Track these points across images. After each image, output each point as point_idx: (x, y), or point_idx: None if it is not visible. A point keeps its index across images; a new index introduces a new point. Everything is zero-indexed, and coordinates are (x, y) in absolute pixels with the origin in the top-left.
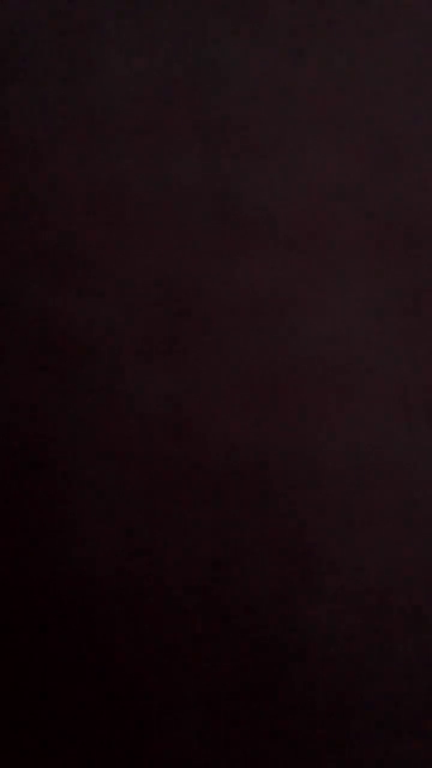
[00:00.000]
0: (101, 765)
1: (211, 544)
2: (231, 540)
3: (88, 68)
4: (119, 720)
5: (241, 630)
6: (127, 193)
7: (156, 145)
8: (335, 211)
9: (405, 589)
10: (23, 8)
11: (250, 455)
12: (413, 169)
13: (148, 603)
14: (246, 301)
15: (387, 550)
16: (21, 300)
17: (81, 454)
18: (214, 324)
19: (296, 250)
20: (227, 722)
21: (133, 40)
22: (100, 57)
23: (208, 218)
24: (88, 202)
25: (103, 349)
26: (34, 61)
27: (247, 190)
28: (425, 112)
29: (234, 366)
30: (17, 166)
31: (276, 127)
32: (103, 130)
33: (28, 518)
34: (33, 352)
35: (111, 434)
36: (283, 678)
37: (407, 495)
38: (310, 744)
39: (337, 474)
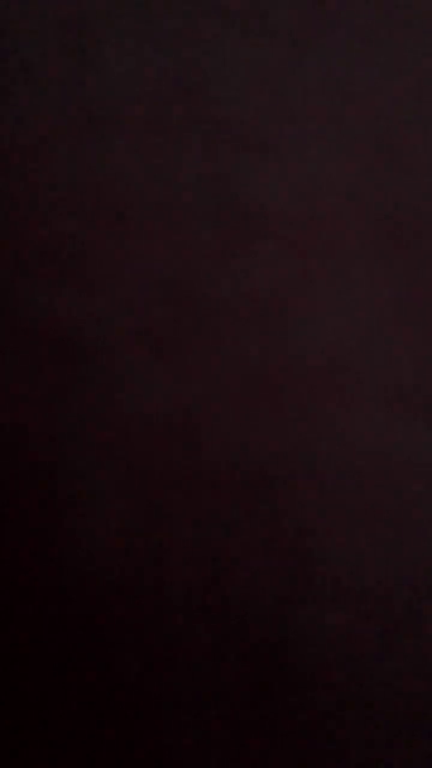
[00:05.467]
0: (101, 765)
1: (211, 545)
2: (231, 540)
3: (88, 68)
4: (118, 720)
5: (241, 630)
6: (126, 193)
7: (155, 144)
8: (335, 211)
9: (405, 589)
10: (23, 8)
11: (250, 455)
12: (413, 168)
13: (148, 603)
14: (246, 300)
15: (387, 550)
16: (21, 300)
17: (81, 454)
18: (215, 324)
19: (296, 250)
20: (227, 722)
21: (133, 40)
22: (100, 57)
23: (208, 218)
24: (88, 201)
25: (103, 349)
26: (34, 61)
27: (247, 190)
28: (425, 111)
29: (234, 366)
30: (18, 166)
31: (276, 127)
32: (103, 130)
33: (28, 518)
34: (33, 352)
35: (111, 434)
36: (282, 678)
37: (407, 495)
38: (309, 744)
39: (337, 474)
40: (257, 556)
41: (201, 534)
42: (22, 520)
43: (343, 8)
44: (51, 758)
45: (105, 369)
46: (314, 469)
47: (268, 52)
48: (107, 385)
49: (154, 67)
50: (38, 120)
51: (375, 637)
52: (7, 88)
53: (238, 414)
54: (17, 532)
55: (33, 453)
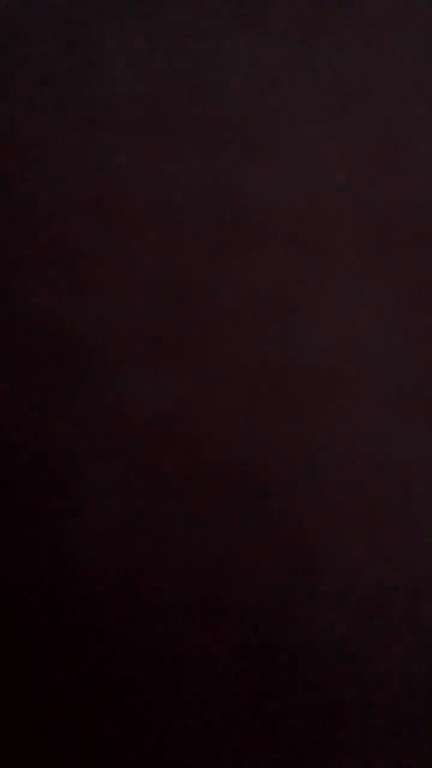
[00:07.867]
0: (101, 765)
1: (211, 544)
2: (231, 540)
3: (88, 68)
4: (118, 719)
5: (241, 630)
6: (126, 193)
7: (156, 144)
8: (335, 211)
9: (405, 589)
10: (23, 8)
11: (249, 455)
12: (413, 168)
13: (148, 603)
14: (246, 301)
15: (386, 550)
16: (21, 300)
17: (81, 454)
18: (215, 324)
19: (296, 250)
20: (227, 722)
21: (133, 40)
22: (100, 57)
23: (208, 218)
24: (88, 202)
25: (103, 349)
26: (34, 61)
27: (247, 190)
28: (425, 112)
29: (234, 366)
30: (18, 166)
31: (276, 127)
32: (103, 130)
33: (28, 518)
34: (33, 352)
35: (111, 434)
36: (282, 678)
37: (406, 495)
38: (309, 744)
39: (336, 474)
40: (257, 556)
41: (201, 534)
42: (22, 520)
43: (343, 8)
44: (51, 758)
45: (105, 369)
46: (314, 470)
47: (268, 52)
48: (107, 385)
49: (154, 67)
50: (38, 120)
51: (375, 637)
52: (8, 88)
53: (238, 414)
54: (17, 531)
55: (33, 453)
